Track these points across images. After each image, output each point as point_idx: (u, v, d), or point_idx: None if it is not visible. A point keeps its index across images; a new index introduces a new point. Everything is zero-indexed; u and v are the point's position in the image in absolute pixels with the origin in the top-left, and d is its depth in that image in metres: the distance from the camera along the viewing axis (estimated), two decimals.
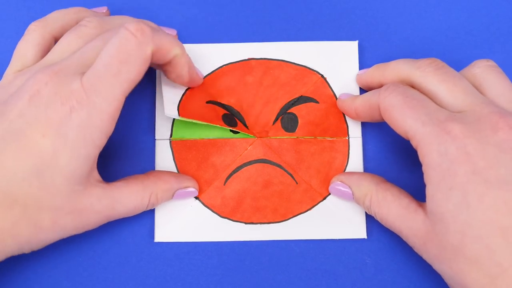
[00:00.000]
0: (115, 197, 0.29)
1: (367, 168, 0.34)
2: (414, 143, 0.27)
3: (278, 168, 0.34)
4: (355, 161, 0.34)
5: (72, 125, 0.26)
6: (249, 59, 0.35)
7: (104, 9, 0.34)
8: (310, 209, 0.33)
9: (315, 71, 0.35)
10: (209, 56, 0.35)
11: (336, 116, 0.34)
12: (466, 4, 0.36)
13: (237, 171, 0.34)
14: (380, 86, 0.32)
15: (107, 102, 0.26)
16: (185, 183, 0.32)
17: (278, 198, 0.33)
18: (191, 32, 0.36)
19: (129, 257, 0.33)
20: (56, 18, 0.31)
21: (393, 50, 0.36)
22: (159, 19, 0.36)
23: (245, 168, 0.34)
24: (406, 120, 0.27)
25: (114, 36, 0.26)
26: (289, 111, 0.34)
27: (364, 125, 0.34)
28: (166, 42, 0.28)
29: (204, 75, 0.35)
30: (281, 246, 0.33)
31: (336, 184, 0.32)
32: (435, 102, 0.28)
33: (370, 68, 0.33)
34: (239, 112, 0.34)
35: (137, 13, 0.36)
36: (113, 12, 0.36)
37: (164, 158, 0.34)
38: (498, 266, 0.24)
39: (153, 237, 0.33)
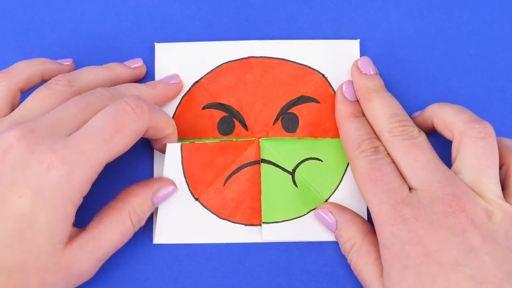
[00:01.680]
0: (96, 237, 0.28)
1: None
2: (372, 216, 0.28)
3: (278, 169, 0.33)
4: None
5: (49, 184, 0.25)
6: (249, 57, 0.35)
7: (69, 61, 0.33)
8: (311, 211, 0.33)
9: (316, 70, 0.35)
10: (208, 54, 0.35)
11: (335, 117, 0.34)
12: (469, 3, 0.36)
13: (237, 172, 0.33)
14: (359, 99, 0.32)
15: (90, 165, 0.26)
16: (158, 185, 0.31)
17: (278, 200, 0.33)
18: (189, 30, 0.36)
19: (128, 259, 0.32)
20: (21, 69, 0.31)
21: (394, 49, 0.35)
22: (158, 17, 0.36)
23: (245, 169, 0.33)
24: (366, 192, 0.28)
25: (112, 105, 0.27)
26: (289, 111, 0.34)
27: None
28: (161, 122, 0.29)
29: (203, 74, 0.35)
30: (281, 248, 0.33)
31: (324, 212, 0.32)
32: (400, 173, 0.28)
33: (363, 81, 0.32)
34: (238, 112, 0.34)
35: (137, 12, 0.36)
36: (113, 12, 0.36)
37: (172, 161, 0.32)
38: None
39: (152, 239, 0.33)
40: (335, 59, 0.35)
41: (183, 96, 0.34)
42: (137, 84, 0.32)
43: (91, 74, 0.31)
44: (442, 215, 0.26)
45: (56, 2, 0.36)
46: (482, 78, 0.35)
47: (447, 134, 0.30)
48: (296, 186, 0.33)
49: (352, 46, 0.35)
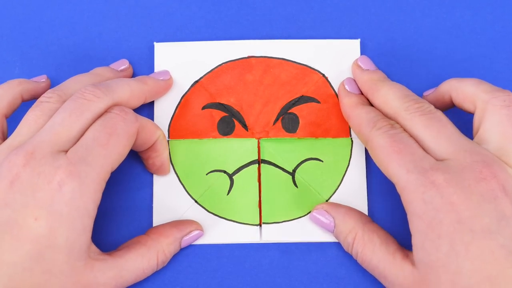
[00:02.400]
0: (119, 266, 0.28)
1: (369, 170, 0.33)
2: (398, 189, 0.28)
3: (278, 170, 0.33)
4: (357, 162, 0.33)
5: (64, 200, 0.25)
6: (249, 57, 0.35)
7: (44, 78, 0.33)
8: (311, 211, 0.33)
9: (316, 70, 0.34)
10: (208, 54, 0.35)
11: (338, 117, 0.34)
12: (470, 2, 0.36)
13: (237, 172, 0.33)
14: (366, 95, 0.32)
15: (96, 172, 0.26)
16: (188, 229, 0.32)
17: (278, 200, 0.33)
18: (189, 29, 0.35)
19: None
20: (1, 96, 0.31)
21: (395, 48, 0.35)
22: (158, 16, 0.36)
23: (245, 169, 0.33)
24: (391, 165, 0.27)
25: (99, 119, 0.28)
26: (289, 111, 0.34)
27: None
28: (149, 124, 0.30)
29: (203, 73, 0.34)
30: (281, 249, 0.33)
31: (319, 212, 0.32)
32: (421, 147, 0.28)
33: (366, 75, 0.32)
34: (238, 112, 0.34)
35: (137, 11, 0.36)
36: (112, 11, 0.36)
37: None
38: None
39: None
40: (335, 59, 0.35)
41: (182, 96, 0.34)
42: (127, 79, 0.32)
43: (80, 83, 0.31)
44: (474, 181, 0.26)
45: (55, 2, 0.36)
46: (483, 78, 0.34)
47: (468, 106, 0.29)
48: (296, 186, 0.33)
49: (352, 46, 0.35)
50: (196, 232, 0.32)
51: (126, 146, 0.28)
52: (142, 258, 0.29)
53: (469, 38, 0.35)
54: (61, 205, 0.25)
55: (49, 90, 0.30)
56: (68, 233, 0.26)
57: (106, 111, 0.29)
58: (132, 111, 0.29)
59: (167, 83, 0.34)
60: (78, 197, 0.26)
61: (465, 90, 0.29)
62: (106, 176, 0.27)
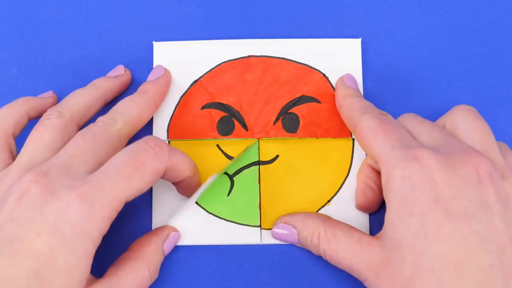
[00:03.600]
0: (114, 284, 0.27)
1: None
2: (381, 166, 0.27)
3: (278, 170, 0.33)
4: (359, 162, 0.33)
5: (69, 220, 0.25)
6: (248, 56, 0.35)
7: (50, 94, 0.33)
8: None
9: (316, 70, 0.34)
10: (207, 53, 0.35)
11: (339, 117, 0.33)
12: (472, 1, 0.36)
13: (237, 173, 0.33)
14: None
15: (110, 200, 0.25)
16: (165, 232, 0.31)
17: (279, 201, 0.33)
18: (188, 28, 0.35)
19: None
20: (6, 115, 0.31)
21: (397, 48, 0.35)
22: (157, 16, 0.35)
23: (245, 170, 0.33)
24: (376, 142, 0.27)
25: (132, 145, 0.27)
26: (290, 111, 0.34)
27: None
28: (181, 163, 0.29)
29: (203, 73, 0.34)
30: (282, 250, 0.32)
31: (279, 227, 0.31)
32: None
33: (342, 92, 0.33)
34: (238, 112, 0.34)
35: (135, 11, 0.36)
36: (111, 10, 0.35)
37: None
38: None
39: None
40: (336, 58, 0.34)
41: (182, 96, 0.34)
42: (130, 97, 0.32)
43: (79, 98, 0.31)
44: (460, 163, 0.25)
45: (53, 1, 0.36)
46: (485, 78, 0.34)
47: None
48: (297, 187, 0.33)
49: (353, 45, 0.35)
50: (172, 233, 0.31)
51: (150, 183, 0.27)
52: (134, 271, 0.28)
53: (470, 37, 0.35)
54: (65, 225, 0.25)
55: (49, 109, 0.30)
56: (69, 255, 0.25)
57: (141, 138, 0.28)
58: (168, 147, 0.28)
59: (166, 79, 0.33)
60: (84, 221, 0.25)
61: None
62: (119, 206, 0.26)
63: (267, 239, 0.32)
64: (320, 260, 0.32)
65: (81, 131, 0.29)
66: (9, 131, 0.30)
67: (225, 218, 0.33)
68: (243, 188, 0.33)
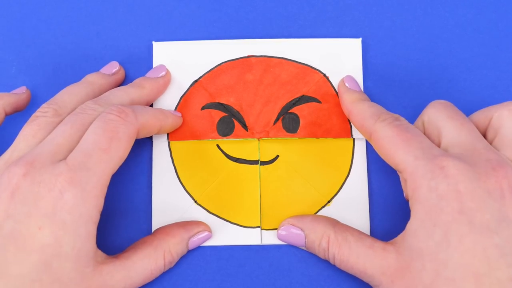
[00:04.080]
0: (127, 267, 0.28)
1: (371, 170, 0.33)
2: (404, 176, 0.27)
3: (279, 171, 0.33)
4: (359, 162, 0.33)
5: (66, 208, 0.25)
6: (248, 56, 0.34)
7: (23, 89, 0.33)
8: (314, 214, 0.32)
9: (317, 69, 0.34)
10: (207, 53, 0.34)
11: (339, 117, 0.33)
12: (473, 1, 0.36)
13: (237, 173, 0.33)
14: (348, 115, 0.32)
15: (98, 177, 0.26)
16: (195, 229, 0.31)
17: (280, 202, 0.32)
18: (188, 28, 0.35)
19: None
20: None
21: (398, 47, 0.35)
22: (156, 15, 0.35)
23: (244, 170, 0.33)
24: (398, 152, 0.27)
25: (97, 119, 0.27)
26: (290, 111, 0.33)
27: None
28: (149, 119, 0.29)
29: (203, 73, 0.34)
30: (282, 251, 0.32)
31: (286, 228, 0.31)
32: (438, 138, 0.28)
33: (348, 96, 0.32)
34: (238, 112, 0.33)
35: (135, 10, 0.35)
36: (110, 10, 0.35)
37: (162, 159, 0.33)
38: None
39: None
40: (336, 58, 0.34)
41: (181, 96, 0.34)
42: (124, 87, 0.32)
43: (74, 96, 0.30)
44: (484, 176, 0.25)
45: (52, 0, 0.36)
46: (486, 77, 0.34)
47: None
48: (297, 187, 0.33)
49: (354, 45, 0.34)
50: (204, 233, 0.31)
51: (127, 148, 0.28)
52: (149, 259, 0.29)
53: (471, 37, 0.35)
54: (64, 213, 0.25)
55: (44, 104, 0.30)
56: (74, 240, 0.25)
57: (104, 111, 0.28)
58: (132, 111, 0.28)
59: (165, 80, 0.33)
60: (80, 204, 0.25)
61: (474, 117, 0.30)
62: (107, 180, 0.27)
63: (267, 239, 0.32)
64: (320, 261, 0.32)
65: (69, 118, 0.28)
66: None
67: (225, 218, 0.32)
68: (243, 188, 0.33)
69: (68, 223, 0.25)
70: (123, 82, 0.34)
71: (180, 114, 0.33)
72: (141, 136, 0.30)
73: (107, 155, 0.27)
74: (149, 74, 0.33)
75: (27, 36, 0.35)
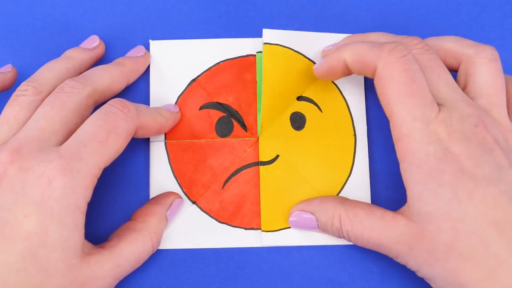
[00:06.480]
0: (115, 256, 0.28)
1: (373, 168, 0.33)
2: (397, 134, 0.27)
3: (279, 171, 0.32)
4: (361, 161, 0.33)
5: (54, 196, 0.25)
6: (247, 55, 0.34)
7: (9, 68, 0.32)
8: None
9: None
10: (205, 52, 0.34)
11: (340, 117, 0.33)
12: None
13: (236, 174, 0.33)
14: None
15: (89, 168, 0.26)
16: (169, 201, 0.31)
17: (280, 203, 0.32)
18: (186, 26, 0.35)
19: None
20: None
21: None
22: (153, 14, 0.35)
23: (244, 171, 0.33)
24: (398, 106, 0.27)
25: (99, 110, 0.27)
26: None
27: (369, 123, 0.33)
28: (150, 119, 0.30)
29: (201, 71, 0.34)
30: (282, 253, 0.32)
31: (297, 214, 0.31)
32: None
33: (333, 57, 0.30)
34: (237, 112, 0.33)
35: (132, 8, 0.35)
36: (107, 8, 0.35)
37: (159, 160, 0.33)
38: (495, 258, 0.25)
39: None
40: None
41: (179, 95, 0.33)
42: (104, 65, 0.31)
43: (55, 72, 0.30)
44: (472, 134, 0.26)
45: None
46: None
47: (450, 62, 0.30)
48: (298, 188, 0.32)
49: None
50: (176, 201, 0.31)
51: (124, 144, 0.28)
52: (136, 243, 0.29)
53: (477, 36, 0.35)
54: (52, 202, 0.25)
55: (23, 83, 0.29)
56: (60, 230, 0.25)
57: (107, 103, 0.28)
58: (134, 107, 0.28)
59: (145, 58, 0.33)
60: (69, 193, 0.25)
61: (446, 47, 0.30)
62: (99, 172, 0.27)
63: (268, 241, 0.32)
64: (321, 263, 0.32)
65: (49, 99, 0.28)
66: None
67: (225, 221, 0.32)
68: (242, 189, 0.32)
69: (55, 212, 0.25)
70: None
71: (178, 110, 0.33)
72: (138, 135, 0.30)
73: (103, 147, 0.26)
74: (129, 54, 0.33)
75: (23, 34, 0.35)
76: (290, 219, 0.31)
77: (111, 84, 0.30)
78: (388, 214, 0.28)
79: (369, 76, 0.28)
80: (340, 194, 0.32)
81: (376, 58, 0.27)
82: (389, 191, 0.33)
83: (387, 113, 0.27)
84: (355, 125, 0.33)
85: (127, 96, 0.34)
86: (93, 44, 0.33)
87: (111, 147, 0.27)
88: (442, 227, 0.26)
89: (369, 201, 0.32)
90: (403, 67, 0.27)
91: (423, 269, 0.27)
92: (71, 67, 0.31)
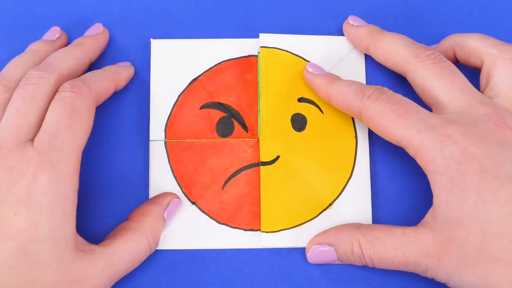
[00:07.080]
0: (109, 254, 0.28)
1: (374, 171, 0.33)
2: (411, 151, 0.27)
3: (279, 172, 0.32)
4: (362, 162, 0.32)
5: (41, 190, 0.25)
6: (248, 55, 0.34)
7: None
8: (315, 217, 0.32)
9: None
10: (206, 52, 0.34)
11: (340, 117, 0.33)
12: None
13: (236, 174, 0.32)
14: (366, 50, 0.32)
15: (68, 156, 0.26)
16: (166, 201, 0.31)
17: (280, 204, 0.32)
18: (187, 26, 0.35)
19: None
20: None
21: None
22: (154, 12, 0.35)
23: (244, 171, 0.32)
24: (397, 129, 0.27)
25: (54, 101, 0.27)
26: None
27: None
28: (103, 85, 0.30)
29: (202, 71, 0.34)
30: (282, 254, 0.32)
31: (315, 248, 0.30)
32: (429, 97, 0.28)
33: (363, 29, 0.32)
34: (238, 112, 0.33)
35: (133, 7, 0.35)
36: (107, 7, 0.35)
37: (158, 160, 0.32)
38: None
39: None
40: (338, 55, 0.34)
41: (180, 94, 0.33)
42: (64, 48, 0.32)
43: (20, 67, 0.30)
44: (489, 132, 0.26)
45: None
46: None
47: (474, 60, 0.30)
48: (298, 189, 0.32)
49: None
50: (174, 201, 0.31)
51: (89, 120, 0.28)
52: (131, 242, 0.29)
53: None
54: (39, 196, 0.25)
55: None
56: (50, 222, 0.25)
57: (57, 90, 0.28)
58: (83, 82, 0.28)
59: (103, 35, 0.33)
60: (55, 185, 0.25)
61: (470, 45, 0.30)
62: (78, 158, 0.27)
63: (267, 242, 0.32)
64: (321, 265, 0.32)
65: (17, 93, 0.28)
66: None
67: (225, 221, 0.32)
68: (242, 190, 0.32)
69: (44, 205, 0.25)
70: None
71: (130, 63, 0.33)
72: (102, 101, 0.30)
73: (71, 131, 0.27)
74: (87, 32, 0.33)
75: (22, 33, 0.35)
76: (308, 255, 0.31)
77: (74, 67, 0.30)
78: (409, 230, 0.27)
79: (357, 118, 0.30)
80: (341, 196, 0.32)
81: (358, 105, 0.29)
82: (390, 192, 0.33)
83: (395, 143, 0.28)
84: (356, 127, 0.33)
85: (127, 95, 0.33)
86: (55, 35, 0.33)
87: (79, 128, 0.27)
88: (470, 232, 0.25)
89: (370, 203, 0.32)
90: (382, 100, 0.28)
91: (453, 279, 0.26)
92: (37, 61, 0.31)
